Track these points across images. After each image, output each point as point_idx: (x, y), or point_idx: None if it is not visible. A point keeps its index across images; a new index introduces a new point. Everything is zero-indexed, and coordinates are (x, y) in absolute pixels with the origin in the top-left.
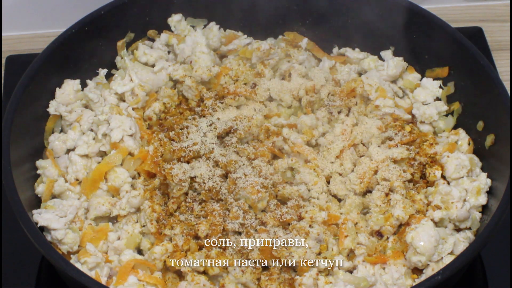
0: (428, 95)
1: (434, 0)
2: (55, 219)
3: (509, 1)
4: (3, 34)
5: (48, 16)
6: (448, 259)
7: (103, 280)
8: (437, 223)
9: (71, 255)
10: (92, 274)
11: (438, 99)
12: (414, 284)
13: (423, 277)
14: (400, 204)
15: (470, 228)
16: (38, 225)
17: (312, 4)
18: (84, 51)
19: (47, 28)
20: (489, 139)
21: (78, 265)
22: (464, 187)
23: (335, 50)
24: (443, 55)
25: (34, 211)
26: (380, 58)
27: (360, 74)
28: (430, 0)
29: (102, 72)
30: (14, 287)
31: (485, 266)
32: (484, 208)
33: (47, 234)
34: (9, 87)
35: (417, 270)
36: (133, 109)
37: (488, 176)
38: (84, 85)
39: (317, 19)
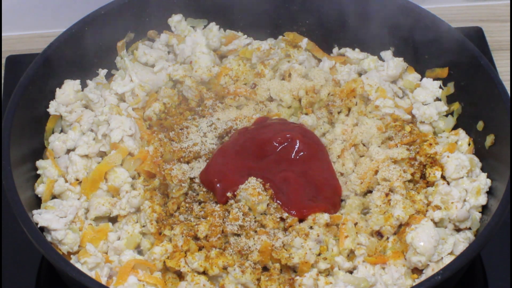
0: (428, 95)
1: (434, 0)
2: (55, 219)
3: (509, 1)
4: (3, 34)
5: (48, 16)
6: (448, 259)
7: (103, 280)
8: (437, 223)
9: (71, 255)
10: (92, 274)
11: (438, 99)
12: (414, 284)
13: (423, 277)
14: (400, 204)
15: (470, 228)
16: (38, 226)
17: (312, 4)
18: (84, 51)
19: (47, 28)
20: (489, 139)
21: (78, 265)
22: (464, 187)
23: (335, 50)
24: (443, 55)
25: (34, 212)
26: (380, 58)
27: (360, 74)
28: (430, 0)
29: (102, 72)
30: (14, 287)
31: (485, 266)
32: (484, 208)
33: (47, 234)
34: (9, 87)
35: (417, 270)
36: (133, 109)
37: (488, 176)
38: (84, 85)
39: (317, 19)
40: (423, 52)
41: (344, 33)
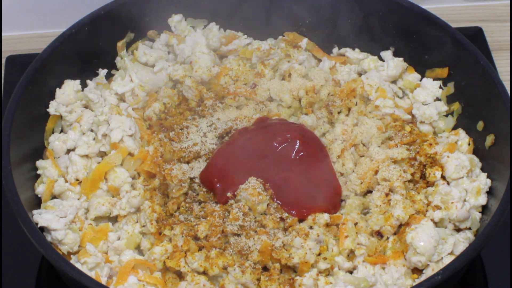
0: (428, 95)
1: (434, 0)
2: (55, 219)
3: (509, 1)
4: (3, 34)
5: (48, 16)
6: (448, 259)
7: (103, 280)
8: (437, 223)
9: (71, 256)
10: (92, 274)
11: (438, 99)
12: (414, 284)
13: (423, 277)
14: (400, 204)
15: (470, 228)
16: (38, 226)
17: (312, 4)
18: (84, 51)
19: (47, 28)
20: (489, 139)
21: (78, 265)
22: (464, 187)
23: (335, 50)
24: (443, 55)
25: (34, 212)
26: (380, 58)
27: (360, 75)
28: (430, 0)
29: (102, 72)
30: (14, 287)
31: (485, 266)
32: (484, 208)
33: (47, 234)
34: (9, 87)
35: (417, 270)
36: (133, 109)
37: (488, 176)
38: (84, 85)
39: (317, 19)
40: (423, 52)
41: (344, 33)
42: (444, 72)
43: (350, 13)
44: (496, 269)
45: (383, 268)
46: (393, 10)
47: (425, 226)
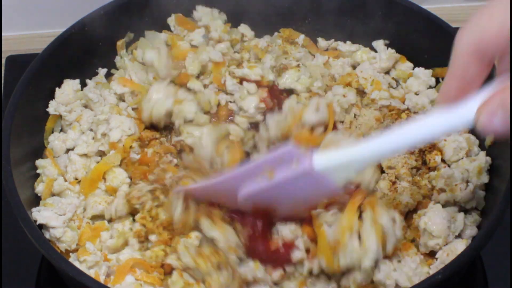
0: (421, 84)
1: (434, 0)
2: (54, 217)
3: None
4: (3, 34)
5: (48, 16)
6: (448, 258)
7: (101, 279)
8: (444, 206)
9: (70, 254)
10: (91, 273)
11: (431, 87)
12: (430, 271)
13: (438, 262)
14: (408, 191)
15: (476, 208)
16: (37, 223)
17: (312, 4)
18: (84, 51)
19: (47, 28)
20: (489, 139)
21: (77, 264)
22: (465, 167)
23: (326, 44)
24: (443, 55)
25: (33, 209)
26: (372, 48)
27: (354, 67)
28: (430, 0)
29: (102, 71)
30: (14, 287)
31: (485, 266)
32: (488, 186)
33: (45, 232)
34: (9, 87)
35: (428, 256)
36: (133, 109)
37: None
38: (84, 85)
39: (316, 19)
40: (423, 52)
41: (343, 32)
42: (444, 72)
43: (349, 13)
44: (496, 269)
45: (399, 261)
46: (393, 10)
47: (434, 209)
